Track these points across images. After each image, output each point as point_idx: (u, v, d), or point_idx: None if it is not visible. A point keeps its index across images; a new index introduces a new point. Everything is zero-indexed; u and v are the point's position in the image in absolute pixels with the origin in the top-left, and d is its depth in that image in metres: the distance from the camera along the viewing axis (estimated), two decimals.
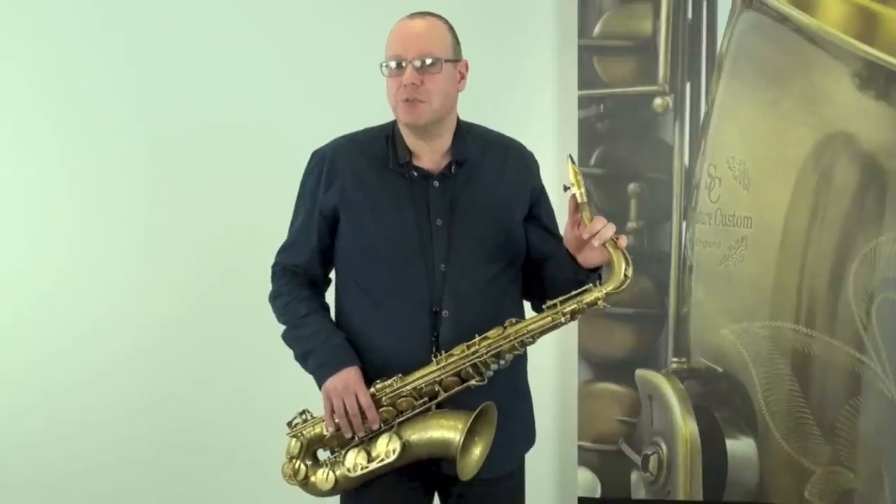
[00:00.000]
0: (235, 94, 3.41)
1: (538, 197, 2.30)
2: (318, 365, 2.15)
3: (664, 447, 3.27)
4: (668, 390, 3.25)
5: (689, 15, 3.22)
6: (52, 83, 3.42)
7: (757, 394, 3.22)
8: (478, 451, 2.09)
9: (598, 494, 3.32)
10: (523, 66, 3.40)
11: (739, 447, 3.25)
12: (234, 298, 3.34)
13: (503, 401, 2.13)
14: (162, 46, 3.41)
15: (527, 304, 2.30)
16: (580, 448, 3.32)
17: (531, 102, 3.38)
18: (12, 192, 3.44)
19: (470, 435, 2.06)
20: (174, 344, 3.43)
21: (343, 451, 2.13)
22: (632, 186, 3.27)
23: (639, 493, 3.31)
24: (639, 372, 3.30)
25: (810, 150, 3.15)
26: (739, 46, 3.19)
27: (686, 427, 3.24)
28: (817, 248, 3.16)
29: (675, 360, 3.28)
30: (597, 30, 3.27)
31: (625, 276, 2.05)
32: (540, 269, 2.24)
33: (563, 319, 2.08)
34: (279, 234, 2.30)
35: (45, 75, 3.42)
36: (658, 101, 3.23)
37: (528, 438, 2.32)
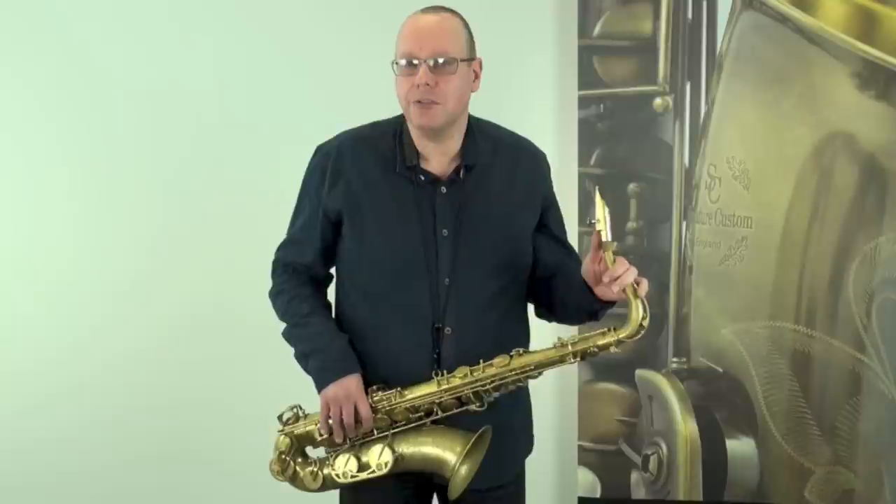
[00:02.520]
0: (241, 92, 3.41)
1: (549, 204, 2.24)
2: (320, 368, 2.10)
3: (664, 447, 3.26)
4: (668, 390, 3.25)
5: (689, 15, 3.22)
6: (56, 81, 3.42)
7: (757, 394, 3.22)
8: (465, 469, 2.04)
9: (598, 494, 3.31)
10: (523, 66, 3.40)
11: (739, 447, 3.25)
12: (236, 299, 3.33)
13: (504, 415, 2.11)
14: (167, 44, 3.41)
15: (531, 320, 2.27)
16: (580, 448, 3.32)
17: (531, 102, 3.37)
18: (15, 192, 3.44)
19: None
20: (176, 344, 3.42)
21: (334, 453, 2.10)
22: (632, 186, 3.27)
23: (639, 493, 3.30)
24: (639, 372, 3.30)
25: (810, 150, 3.15)
26: (739, 46, 3.19)
27: (686, 427, 3.24)
28: (817, 248, 3.16)
29: (675, 360, 3.28)
30: (597, 30, 3.27)
31: (640, 325, 2.00)
32: (547, 279, 2.19)
33: (570, 360, 2.04)
34: (283, 234, 2.29)
35: (48, 74, 3.42)
36: (658, 101, 3.23)
37: (527, 447, 2.28)
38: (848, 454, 3.16)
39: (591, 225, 1.99)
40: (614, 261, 1.97)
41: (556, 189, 2.31)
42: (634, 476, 3.31)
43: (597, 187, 2.09)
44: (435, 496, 2.26)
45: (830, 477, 3.18)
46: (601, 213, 1.97)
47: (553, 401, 3.36)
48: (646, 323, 2.01)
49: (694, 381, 3.26)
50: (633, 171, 3.27)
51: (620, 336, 2.02)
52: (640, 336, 2.02)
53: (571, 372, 3.32)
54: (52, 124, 3.44)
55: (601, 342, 2.03)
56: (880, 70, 3.04)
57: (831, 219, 3.14)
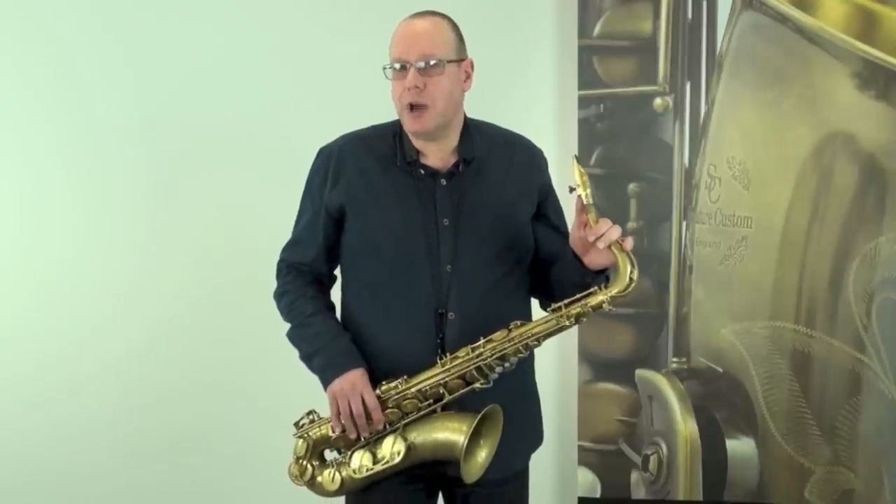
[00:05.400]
0: (237, 92, 3.42)
1: (546, 194, 2.28)
2: (324, 366, 2.14)
3: (664, 447, 3.27)
4: (668, 390, 3.26)
5: (689, 15, 3.22)
6: (53, 82, 3.43)
7: (757, 394, 3.22)
8: (483, 455, 2.07)
9: (598, 494, 3.31)
10: (523, 66, 3.40)
11: (739, 447, 3.25)
12: (236, 297, 3.34)
13: (510, 401, 2.12)
14: (163, 45, 3.42)
15: (534, 304, 2.29)
16: (580, 448, 3.32)
17: (531, 102, 3.37)
18: (13, 192, 3.45)
19: (475, 437, 2.05)
20: (177, 343, 3.43)
21: (349, 453, 2.13)
22: (632, 186, 3.27)
23: (639, 493, 3.31)
24: (639, 372, 3.30)
25: (810, 150, 3.15)
26: (739, 46, 3.19)
27: (686, 427, 3.24)
28: (817, 248, 3.16)
29: (675, 360, 3.28)
30: (597, 30, 3.27)
31: (630, 279, 2.02)
32: (548, 268, 2.22)
33: (567, 323, 2.07)
34: (282, 231, 2.29)
35: (45, 75, 3.43)
36: (658, 101, 3.23)
37: (535, 438, 2.31)
38: (848, 454, 3.16)
39: (572, 191, 2.03)
40: (597, 220, 2.01)
41: (556, 189, 2.31)
42: (634, 476, 3.31)
43: (574, 155, 2.09)
44: (440, 496, 2.27)
45: (830, 477, 3.18)
46: (579, 178, 2.02)
47: (553, 401, 3.36)
48: (635, 276, 2.03)
49: (694, 381, 3.26)
50: (633, 171, 3.27)
51: (612, 293, 2.04)
52: (630, 290, 2.03)
53: (571, 372, 3.33)
54: (52, 125, 3.44)
55: (594, 302, 2.05)
56: (880, 70, 3.04)
57: (831, 219, 3.14)
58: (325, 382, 2.13)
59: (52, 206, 3.44)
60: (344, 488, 2.13)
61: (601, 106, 3.28)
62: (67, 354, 3.42)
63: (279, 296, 2.25)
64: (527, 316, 2.19)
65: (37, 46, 3.41)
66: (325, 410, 2.15)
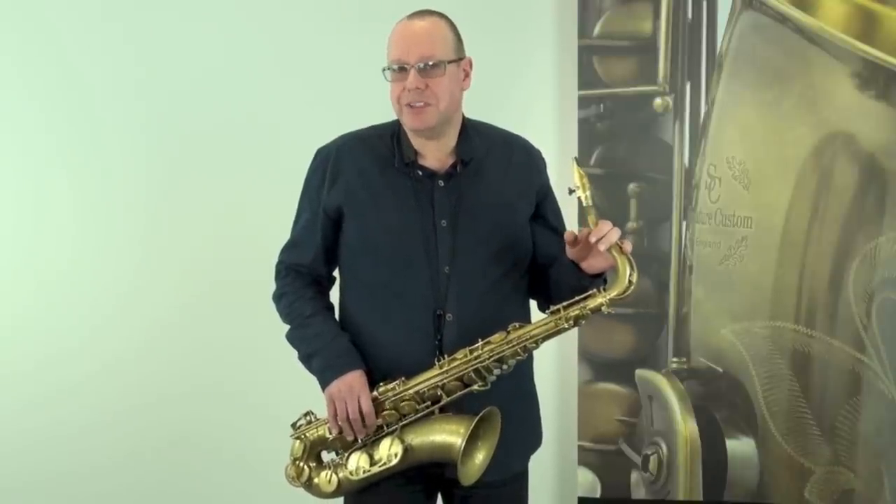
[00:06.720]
0: (235, 93, 3.42)
1: (545, 195, 2.28)
2: (323, 368, 2.14)
3: (664, 447, 3.27)
4: (668, 390, 3.26)
5: (689, 15, 3.22)
6: (53, 83, 3.43)
7: (757, 394, 3.23)
8: (480, 457, 2.07)
9: (598, 494, 3.32)
10: (523, 66, 3.40)
11: (739, 447, 3.25)
12: (235, 299, 3.34)
13: (509, 403, 2.12)
14: (164, 46, 3.42)
15: (533, 305, 2.29)
16: (580, 448, 3.32)
17: (531, 102, 3.38)
18: (13, 192, 3.45)
19: (472, 440, 2.05)
20: (176, 343, 3.43)
21: (346, 454, 2.13)
22: (632, 186, 3.27)
23: (639, 493, 3.31)
24: (639, 372, 3.30)
25: (810, 150, 3.15)
26: (739, 46, 3.19)
27: (686, 427, 3.24)
28: (817, 248, 3.16)
29: (675, 360, 3.28)
30: (597, 30, 3.27)
31: (629, 281, 2.03)
32: (546, 270, 2.22)
33: (566, 325, 2.07)
34: (281, 233, 2.29)
35: (45, 75, 3.43)
36: (658, 101, 3.23)
37: (534, 439, 2.30)
38: (848, 454, 3.16)
39: (571, 193, 2.03)
40: (597, 222, 2.02)
41: (556, 189, 2.31)
42: (634, 476, 3.31)
43: (574, 157, 2.09)
44: (439, 497, 2.27)
45: (830, 477, 3.18)
46: (578, 179, 2.02)
47: (553, 401, 3.36)
48: (634, 278, 2.03)
49: (694, 381, 3.27)
50: (633, 171, 3.27)
51: (611, 295, 2.05)
52: (629, 292, 2.04)
53: (571, 372, 3.33)
54: (52, 126, 3.44)
55: (593, 304, 2.06)
56: (880, 70, 3.04)
57: (831, 219, 3.14)
58: (324, 384, 2.13)
59: (52, 207, 3.45)
60: (341, 490, 2.13)
61: (601, 106, 3.28)
62: (67, 354, 3.42)
63: (278, 297, 2.25)
64: (525, 318, 2.20)
65: (37, 46, 3.41)
66: (322, 411, 2.15)
